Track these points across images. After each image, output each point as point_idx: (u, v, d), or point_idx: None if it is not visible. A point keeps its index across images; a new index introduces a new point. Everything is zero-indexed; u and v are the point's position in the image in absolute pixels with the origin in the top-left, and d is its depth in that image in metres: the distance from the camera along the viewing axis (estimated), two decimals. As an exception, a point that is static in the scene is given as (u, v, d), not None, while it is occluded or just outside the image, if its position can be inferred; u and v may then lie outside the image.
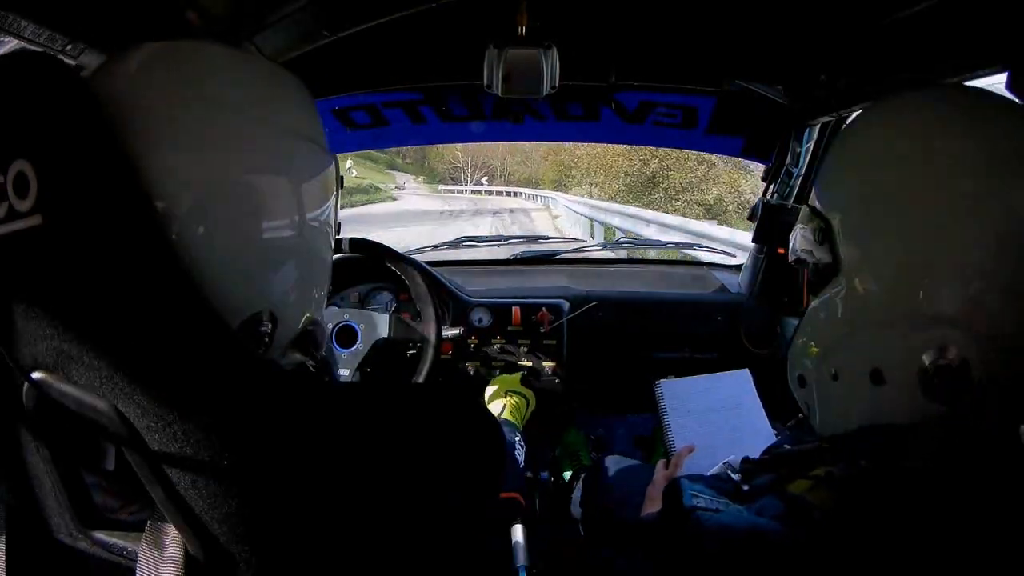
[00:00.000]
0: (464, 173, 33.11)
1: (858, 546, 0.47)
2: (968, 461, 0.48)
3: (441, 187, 28.56)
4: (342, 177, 0.61)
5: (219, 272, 0.50)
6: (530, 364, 1.40)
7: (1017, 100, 0.67)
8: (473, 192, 26.52)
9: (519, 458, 0.93)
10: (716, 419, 1.10)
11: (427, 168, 33.51)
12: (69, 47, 0.67)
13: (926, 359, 0.50)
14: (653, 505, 0.85)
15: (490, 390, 1.17)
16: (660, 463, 0.98)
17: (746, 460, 0.67)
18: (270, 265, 0.53)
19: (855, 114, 0.63)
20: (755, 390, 1.15)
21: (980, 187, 0.50)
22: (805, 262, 0.61)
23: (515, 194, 22.53)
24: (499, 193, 24.73)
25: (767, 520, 0.50)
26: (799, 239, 0.61)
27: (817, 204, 0.61)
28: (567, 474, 1.49)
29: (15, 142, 0.44)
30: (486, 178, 31.15)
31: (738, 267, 1.65)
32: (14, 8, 0.58)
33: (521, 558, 1.13)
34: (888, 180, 0.55)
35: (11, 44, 0.63)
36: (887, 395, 0.53)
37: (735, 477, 0.64)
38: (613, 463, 1.22)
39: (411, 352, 1.35)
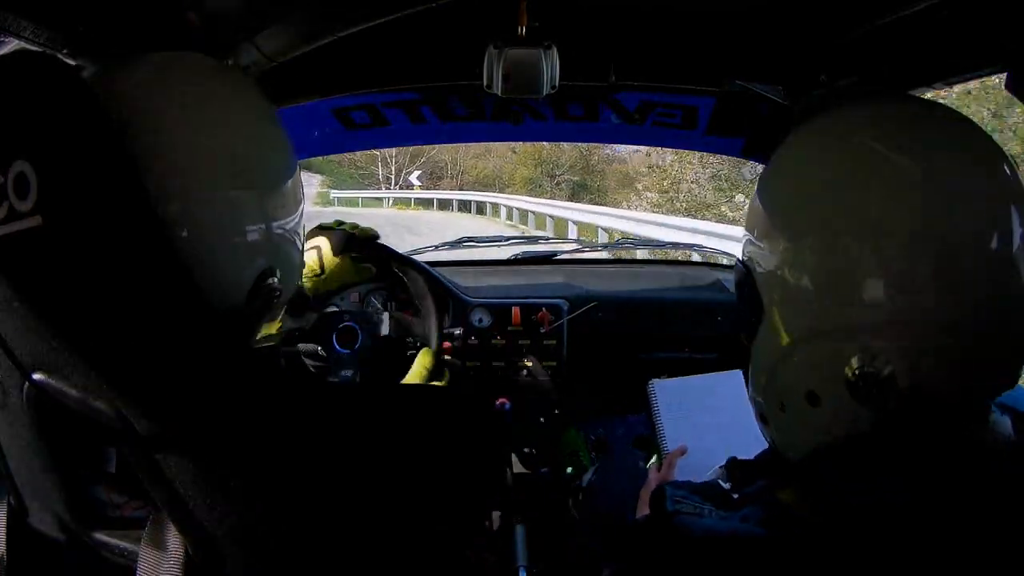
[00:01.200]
0: (386, 169, 23.16)
1: (837, 551, 0.47)
2: (925, 468, 0.49)
3: (335, 194, 19.43)
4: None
5: (219, 250, 0.56)
6: (529, 364, 1.40)
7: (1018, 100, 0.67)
8: (397, 203, 18.58)
9: None
10: (709, 419, 1.10)
11: (334, 166, 23.25)
12: (69, 47, 0.67)
13: (851, 368, 0.51)
14: (645, 508, 0.85)
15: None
16: (653, 467, 0.98)
17: (733, 460, 0.69)
18: (262, 232, 0.59)
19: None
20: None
21: (885, 193, 0.51)
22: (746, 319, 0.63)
23: (467, 206, 15.75)
24: (441, 203, 17.24)
25: (751, 526, 0.50)
26: (735, 290, 0.64)
27: (739, 255, 0.64)
28: (567, 473, 1.49)
29: (16, 142, 0.44)
30: (417, 175, 21.67)
31: (738, 267, 1.65)
32: (14, 8, 0.58)
33: (521, 558, 1.13)
34: (792, 200, 0.57)
35: (11, 44, 0.63)
36: (825, 413, 0.54)
37: (725, 486, 0.64)
38: (612, 466, 1.22)
39: (411, 352, 1.35)
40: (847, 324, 0.52)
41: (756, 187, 0.65)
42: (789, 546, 0.48)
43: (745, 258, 0.63)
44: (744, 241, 0.64)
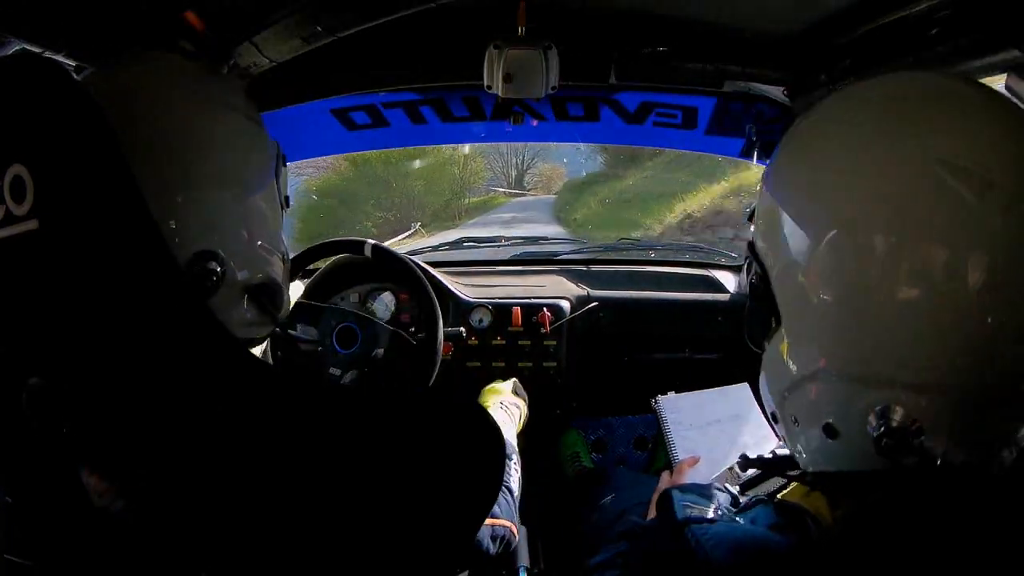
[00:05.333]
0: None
1: (854, 555, 0.46)
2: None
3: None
4: (284, 155, 0.71)
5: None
6: (530, 364, 1.40)
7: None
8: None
9: (514, 484, 0.88)
10: (718, 431, 1.10)
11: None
12: (68, 49, 0.67)
13: (873, 420, 0.48)
14: (654, 511, 0.85)
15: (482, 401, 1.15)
16: (664, 473, 0.98)
17: (743, 457, 0.67)
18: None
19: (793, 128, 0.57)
20: (756, 403, 1.15)
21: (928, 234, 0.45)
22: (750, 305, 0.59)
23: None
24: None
25: (762, 529, 0.50)
26: (743, 279, 0.59)
27: (755, 241, 0.58)
28: (568, 474, 1.49)
29: (12, 146, 0.44)
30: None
31: (738, 267, 1.64)
32: (14, 10, 0.58)
33: (521, 558, 1.13)
34: (821, 206, 0.50)
35: (11, 46, 0.63)
36: (843, 447, 0.52)
37: (733, 490, 0.64)
38: (616, 472, 1.22)
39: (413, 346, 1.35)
40: (869, 373, 0.47)
41: (770, 181, 0.57)
42: (801, 548, 0.47)
43: (762, 258, 0.56)
44: (759, 233, 0.58)
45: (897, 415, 0.47)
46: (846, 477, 0.52)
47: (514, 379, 1.25)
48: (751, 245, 0.59)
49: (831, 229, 0.48)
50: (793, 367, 0.54)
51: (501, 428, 1.01)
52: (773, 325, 0.56)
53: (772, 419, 0.62)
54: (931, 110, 0.49)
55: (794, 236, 0.52)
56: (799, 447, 0.58)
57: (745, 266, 0.61)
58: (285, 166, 0.72)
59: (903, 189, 0.46)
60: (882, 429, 0.47)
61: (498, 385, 1.20)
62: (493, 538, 0.77)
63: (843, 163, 0.50)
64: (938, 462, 0.47)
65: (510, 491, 0.86)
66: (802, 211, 0.52)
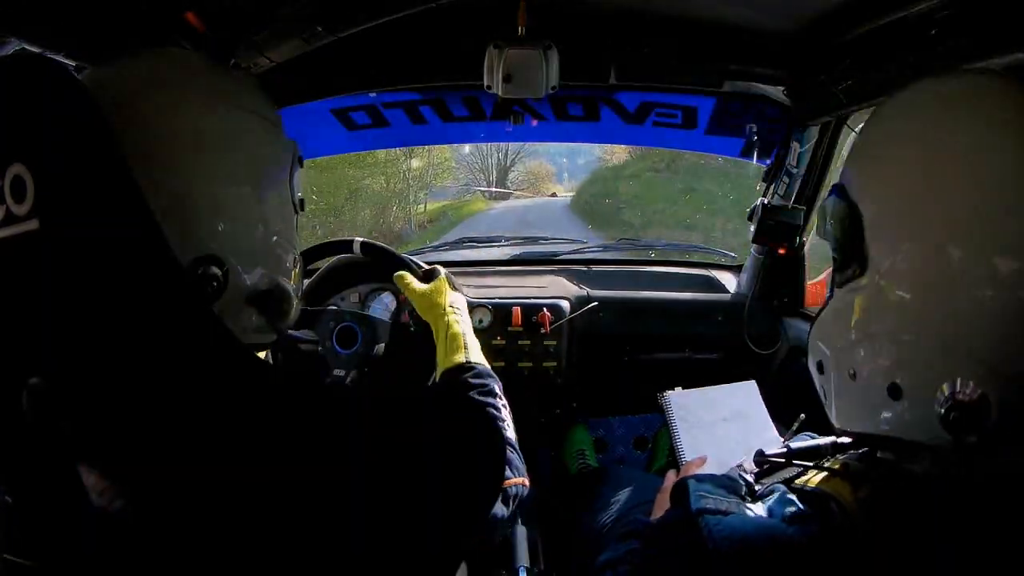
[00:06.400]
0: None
1: (877, 540, 0.46)
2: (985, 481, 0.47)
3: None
4: (301, 156, 0.69)
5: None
6: (530, 364, 1.40)
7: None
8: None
9: (510, 431, 0.78)
10: (724, 429, 1.10)
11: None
12: (69, 49, 0.67)
13: (945, 389, 0.47)
14: (661, 511, 0.85)
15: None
16: (670, 472, 0.98)
17: (760, 454, 0.65)
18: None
19: (911, 90, 0.55)
20: (762, 401, 1.15)
21: None
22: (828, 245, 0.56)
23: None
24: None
25: (777, 522, 0.49)
26: (828, 219, 0.56)
27: (848, 185, 0.55)
28: (572, 472, 1.49)
29: (12, 145, 0.44)
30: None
31: (738, 267, 1.65)
32: (14, 10, 0.58)
33: (521, 558, 1.12)
34: (938, 176, 0.48)
35: (11, 46, 0.63)
36: (903, 411, 0.51)
37: (748, 477, 0.63)
38: (618, 471, 1.22)
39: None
40: (953, 343, 0.47)
41: (872, 131, 0.55)
42: (819, 537, 0.47)
43: (857, 200, 0.53)
44: (851, 179, 0.55)
45: (971, 390, 0.46)
46: (893, 442, 0.51)
47: (440, 278, 1.06)
48: (838, 187, 0.56)
49: (939, 218, 0.48)
50: (872, 320, 0.52)
51: (465, 338, 0.89)
52: (854, 271, 0.53)
53: (817, 368, 0.60)
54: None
55: (901, 206, 0.51)
56: (844, 403, 0.56)
57: (826, 200, 0.57)
58: (301, 166, 0.70)
59: (1006, 193, 0.46)
60: (951, 401, 0.46)
61: (431, 295, 1.00)
62: (505, 500, 0.73)
63: (952, 154, 0.49)
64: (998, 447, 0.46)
65: (512, 445, 0.76)
66: (915, 192, 0.50)
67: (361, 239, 1.24)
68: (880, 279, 0.51)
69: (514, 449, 0.75)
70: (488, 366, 0.85)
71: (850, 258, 0.53)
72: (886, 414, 0.52)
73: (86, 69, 0.65)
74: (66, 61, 0.68)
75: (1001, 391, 0.46)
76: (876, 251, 0.51)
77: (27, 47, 0.64)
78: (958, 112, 0.50)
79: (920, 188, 0.49)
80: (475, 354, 0.87)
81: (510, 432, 0.76)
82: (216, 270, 0.55)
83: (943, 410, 0.47)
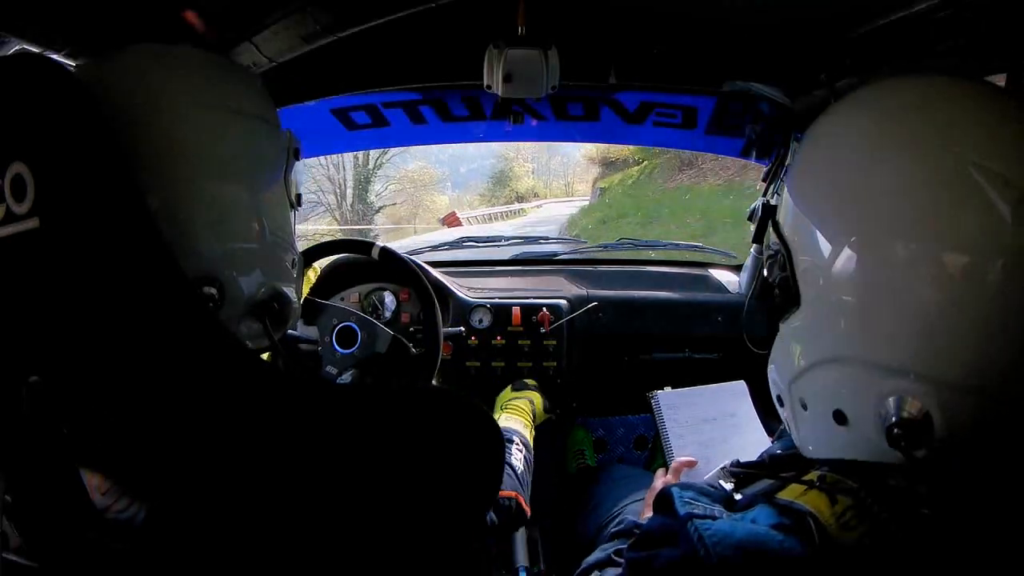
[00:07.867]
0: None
1: (853, 556, 0.46)
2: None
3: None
4: (297, 148, 0.68)
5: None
6: (530, 364, 1.40)
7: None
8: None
9: (516, 462, 0.91)
10: (712, 429, 1.11)
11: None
12: (69, 48, 0.67)
13: (887, 410, 0.48)
14: (651, 511, 0.85)
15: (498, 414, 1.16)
16: (659, 471, 0.98)
17: (738, 463, 0.66)
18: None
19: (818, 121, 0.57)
20: (751, 401, 1.16)
21: (954, 222, 0.45)
22: (771, 284, 0.58)
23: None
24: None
25: (765, 528, 0.50)
26: (765, 256, 0.59)
27: (780, 220, 0.58)
28: (571, 472, 1.49)
29: (12, 144, 0.44)
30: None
31: (738, 267, 1.65)
32: (14, 10, 0.58)
33: (521, 558, 1.13)
34: (847, 204, 0.50)
35: (11, 46, 0.63)
36: (851, 435, 0.52)
37: (727, 487, 0.63)
38: (614, 469, 1.22)
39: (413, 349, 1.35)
40: (886, 363, 0.47)
41: (792, 185, 0.57)
42: (802, 548, 0.47)
43: (785, 234, 0.56)
44: (786, 210, 0.57)
45: (911, 406, 0.47)
46: (852, 465, 0.52)
47: (516, 382, 1.28)
48: (775, 224, 0.58)
49: (852, 236, 0.49)
50: (808, 350, 0.54)
51: (514, 416, 1.04)
52: (791, 307, 0.55)
53: (777, 402, 0.61)
54: (958, 116, 0.50)
55: (816, 238, 0.52)
56: (804, 433, 0.58)
57: (766, 242, 0.60)
58: (299, 159, 0.69)
59: (931, 196, 0.46)
60: (894, 419, 0.47)
61: (507, 392, 1.23)
62: (497, 509, 0.78)
63: (864, 171, 0.50)
64: (947, 457, 0.47)
65: (512, 468, 0.89)
66: (825, 217, 0.52)
67: (381, 245, 1.25)
68: (810, 311, 0.53)
69: (512, 471, 0.79)
70: (525, 435, 1.02)
71: (786, 293, 0.55)
72: (840, 440, 0.53)
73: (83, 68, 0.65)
74: (66, 61, 0.68)
75: (942, 403, 0.46)
76: (804, 287, 0.54)
77: (27, 47, 0.64)
78: (867, 140, 0.52)
79: (834, 207, 0.51)
80: (508, 422, 1.05)
81: (516, 460, 0.83)
82: (211, 290, 0.55)
83: (888, 427, 0.47)
